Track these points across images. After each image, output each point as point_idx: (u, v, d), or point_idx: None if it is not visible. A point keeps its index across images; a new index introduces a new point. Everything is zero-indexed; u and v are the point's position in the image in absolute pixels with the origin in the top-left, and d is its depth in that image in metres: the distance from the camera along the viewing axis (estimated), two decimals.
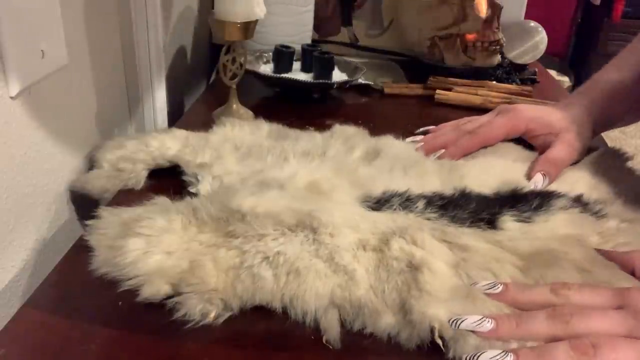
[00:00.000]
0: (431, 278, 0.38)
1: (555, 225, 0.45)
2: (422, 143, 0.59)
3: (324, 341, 0.35)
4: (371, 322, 0.36)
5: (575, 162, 0.57)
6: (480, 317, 0.34)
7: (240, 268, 0.38)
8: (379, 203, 0.47)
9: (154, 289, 0.37)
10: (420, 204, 0.46)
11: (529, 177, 0.52)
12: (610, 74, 0.60)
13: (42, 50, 0.46)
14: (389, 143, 0.59)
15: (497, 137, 0.57)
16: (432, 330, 0.35)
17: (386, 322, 0.36)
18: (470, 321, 0.34)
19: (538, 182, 0.51)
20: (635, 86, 0.58)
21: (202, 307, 0.36)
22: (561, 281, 0.38)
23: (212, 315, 0.36)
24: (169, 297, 0.37)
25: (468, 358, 0.32)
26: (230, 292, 0.37)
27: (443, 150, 0.57)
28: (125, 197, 0.50)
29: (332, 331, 0.36)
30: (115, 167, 0.52)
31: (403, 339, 0.35)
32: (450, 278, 0.38)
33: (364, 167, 0.53)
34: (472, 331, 0.34)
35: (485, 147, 0.58)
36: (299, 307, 0.37)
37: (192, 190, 0.50)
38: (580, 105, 0.59)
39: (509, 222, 0.45)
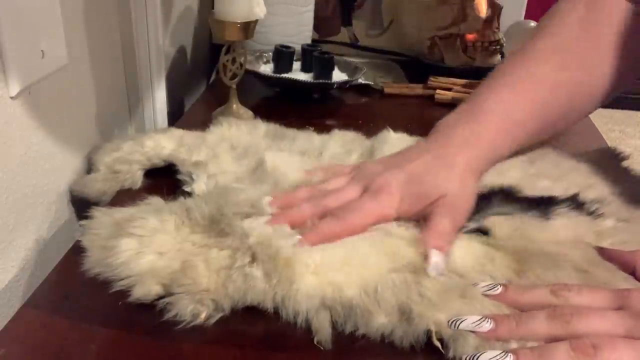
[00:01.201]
0: (429, 281, 0.38)
1: (553, 229, 0.45)
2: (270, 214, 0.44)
3: (315, 342, 0.35)
4: (363, 322, 0.36)
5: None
6: (480, 317, 0.34)
7: (232, 268, 0.38)
8: None
9: (146, 290, 0.37)
10: None
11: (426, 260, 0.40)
12: (504, 102, 0.50)
13: (42, 50, 0.46)
14: (382, 139, 0.59)
15: (363, 228, 0.43)
16: (429, 333, 0.35)
17: (379, 322, 0.36)
18: (469, 321, 0.34)
19: (439, 263, 0.40)
20: (533, 122, 0.50)
21: (193, 308, 0.36)
22: (561, 282, 0.38)
23: (203, 315, 0.36)
24: (161, 297, 0.37)
25: (467, 358, 0.32)
26: (222, 292, 0.37)
27: (295, 239, 0.41)
28: (124, 197, 0.50)
29: (323, 332, 0.36)
30: (112, 169, 0.52)
31: (396, 338, 0.35)
32: (447, 279, 0.38)
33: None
34: (472, 331, 0.34)
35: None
36: (291, 307, 0.37)
37: (187, 189, 0.50)
38: (457, 151, 0.47)
39: (505, 222, 0.45)
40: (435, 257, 0.40)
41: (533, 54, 0.52)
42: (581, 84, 0.52)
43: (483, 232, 0.45)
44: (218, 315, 0.37)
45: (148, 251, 0.39)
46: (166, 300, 0.37)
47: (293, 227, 0.42)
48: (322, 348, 0.35)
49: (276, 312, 0.37)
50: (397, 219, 0.45)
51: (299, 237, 0.40)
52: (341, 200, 0.45)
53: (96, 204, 0.51)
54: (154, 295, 0.37)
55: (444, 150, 0.47)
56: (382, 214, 0.44)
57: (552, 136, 0.57)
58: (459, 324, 0.34)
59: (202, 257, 0.39)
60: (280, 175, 0.50)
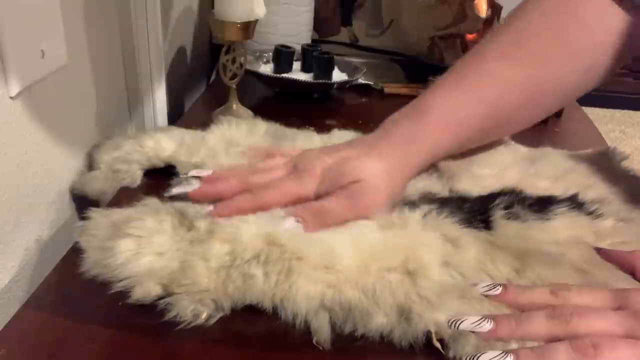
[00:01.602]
0: (427, 282, 0.38)
1: (553, 229, 0.45)
2: (198, 185, 0.47)
3: (314, 342, 0.35)
4: (362, 323, 0.36)
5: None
6: (480, 317, 0.34)
7: (232, 267, 0.38)
8: None
9: (145, 290, 0.37)
10: (414, 199, 0.46)
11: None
12: (449, 99, 0.49)
13: (42, 50, 0.46)
14: None
15: (277, 205, 0.45)
16: (429, 335, 0.35)
17: (378, 322, 0.36)
18: (469, 322, 0.34)
19: (289, 226, 0.42)
20: (481, 120, 0.50)
21: (194, 308, 0.36)
22: (560, 282, 0.38)
23: (204, 315, 0.36)
24: (161, 298, 0.37)
25: (468, 359, 0.32)
26: (222, 292, 0.37)
27: (210, 208, 0.43)
28: (122, 196, 0.50)
29: (322, 332, 0.36)
30: (112, 168, 0.53)
31: (395, 338, 0.35)
32: (446, 280, 0.38)
33: None
34: (472, 332, 0.34)
35: None
36: (289, 308, 0.37)
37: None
38: (392, 147, 0.47)
39: (504, 221, 0.45)
40: (290, 222, 0.42)
41: (487, 52, 0.51)
42: (543, 81, 0.50)
43: (485, 228, 0.45)
44: (218, 315, 0.37)
45: (146, 252, 0.39)
46: (166, 300, 0.37)
47: (214, 198, 0.45)
48: (321, 348, 0.35)
49: (275, 312, 0.37)
50: (317, 198, 0.46)
51: (210, 207, 0.43)
52: (266, 178, 0.47)
53: (97, 202, 0.51)
54: (154, 295, 0.37)
55: (380, 143, 0.48)
56: (299, 193, 0.45)
57: (516, 133, 0.57)
58: (458, 325, 0.34)
59: (200, 256, 0.39)
60: None
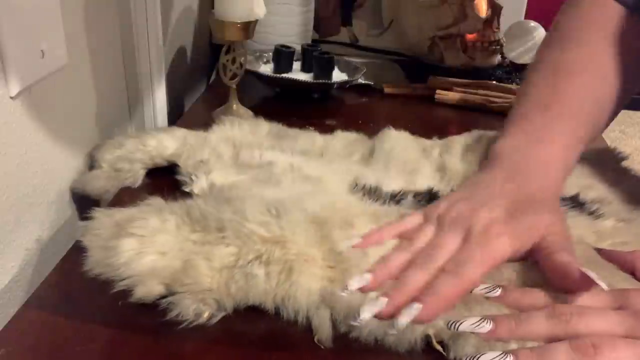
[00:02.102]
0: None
1: None
2: (371, 281, 0.37)
3: (315, 341, 0.35)
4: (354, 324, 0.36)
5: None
6: (479, 318, 0.34)
7: (235, 267, 0.38)
8: (370, 194, 0.47)
9: (147, 289, 0.37)
10: (410, 197, 0.46)
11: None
12: (565, 120, 0.48)
13: (42, 50, 0.46)
14: (382, 138, 0.59)
15: (481, 280, 0.38)
16: (429, 338, 0.35)
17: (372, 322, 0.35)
18: (469, 323, 0.34)
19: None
20: (589, 133, 0.49)
21: (196, 307, 0.36)
22: None
23: (206, 315, 0.36)
24: (163, 297, 0.37)
25: (467, 359, 0.32)
26: (224, 291, 0.37)
27: (417, 309, 0.34)
28: (124, 196, 0.50)
29: (323, 330, 0.35)
30: (114, 167, 0.52)
31: (391, 341, 0.35)
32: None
33: (358, 166, 0.54)
34: (472, 333, 0.34)
35: None
36: (291, 306, 0.37)
37: (187, 189, 0.50)
38: (544, 177, 0.45)
39: None
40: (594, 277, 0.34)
41: (565, 66, 0.51)
42: (620, 91, 0.52)
43: None
44: (220, 315, 0.37)
45: (149, 251, 0.39)
46: (169, 299, 0.37)
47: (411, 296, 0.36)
48: (322, 347, 0.35)
49: (277, 312, 0.37)
50: (511, 260, 0.40)
51: (418, 305, 0.34)
52: (447, 254, 0.39)
53: (98, 201, 0.51)
54: (156, 295, 0.37)
55: (524, 178, 0.44)
56: (496, 258, 0.39)
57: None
58: (458, 326, 0.34)
59: (203, 256, 0.38)
60: (287, 177, 0.50)
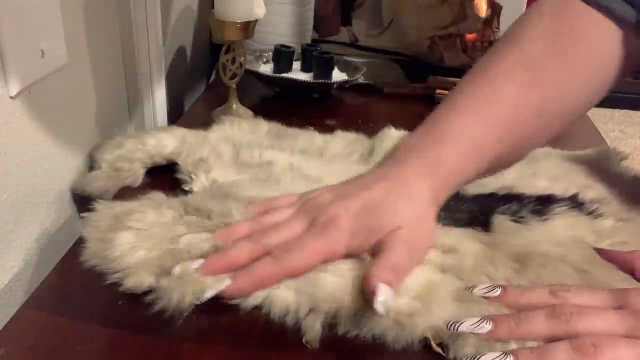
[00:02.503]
0: (418, 283, 0.38)
1: (553, 229, 0.45)
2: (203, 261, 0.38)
3: (304, 341, 0.35)
4: (354, 323, 0.36)
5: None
6: (479, 318, 0.34)
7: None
8: None
9: (138, 280, 0.37)
10: None
11: (370, 293, 0.35)
12: (467, 126, 0.45)
13: (42, 50, 0.46)
14: (383, 137, 0.59)
15: (307, 269, 0.38)
16: (428, 341, 0.35)
17: (369, 322, 0.35)
18: (468, 324, 0.34)
19: (389, 300, 0.34)
20: (499, 145, 0.45)
21: (179, 296, 0.36)
22: (560, 283, 0.38)
23: (187, 300, 0.36)
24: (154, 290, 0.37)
25: None
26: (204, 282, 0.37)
27: (227, 282, 0.37)
28: (125, 195, 0.50)
29: (312, 332, 0.35)
30: (114, 167, 0.53)
31: (389, 340, 0.35)
32: (441, 281, 0.38)
33: (358, 166, 0.54)
34: (472, 333, 0.34)
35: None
36: (278, 307, 0.37)
37: (186, 188, 0.50)
38: (418, 180, 0.42)
39: (503, 222, 0.45)
40: (384, 295, 0.34)
41: (497, 72, 0.47)
42: (551, 101, 0.47)
43: (484, 228, 0.45)
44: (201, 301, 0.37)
45: (145, 245, 0.39)
46: (155, 287, 0.37)
47: (228, 269, 0.38)
48: (309, 347, 0.35)
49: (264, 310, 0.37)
50: (348, 256, 0.40)
51: (226, 281, 0.37)
52: (283, 236, 0.40)
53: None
54: (147, 286, 0.37)
55: (402, 178, 0.43)
56: (329, 252, 0.39)
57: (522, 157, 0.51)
58: (458, 327, 0.34)
59: (192, 246, 0.39)
60: (287, 177, 0.50)
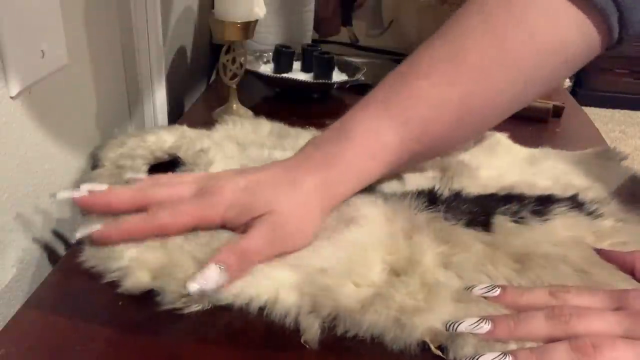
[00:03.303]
0: (418, 283, 0.38)
1: (553, 229, 0.45)
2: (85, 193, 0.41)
3: (302, 341, 0.35)
4: (352, 322, 0.36)
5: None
6: (477, 318, 0.34)
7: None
8: (370, 191, 0.47)
9: (135, 280, 0.37)
10: (410, 197, 0.46)
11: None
12: (374, 123, 0.44)
13: (42, 50, 0.46)
14: None
15: (177, 228, 0.40)
16: (425, 344, 0.35)
17: (369, 321, 0.36)
18: (467, 324, 0.34)
19: (210, 278, 0.35)
20: (409, 143, 0.45)
21: (176, 290, 0.36)
22: (559, 284, 0.38)
23: (185, 299, 0.36)
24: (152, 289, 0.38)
25: None
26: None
27: (96, 227, 0.39)
28: None
29: (310, 332, 0.35)
30: (116, 164, 0.53)
31: (388, 340, 0.35)
32: (440, 281, 0.38)
33: None
34: (470, 333, 0.34)
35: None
36: (276, 308, 0.37)
37: None
38: (310, 172, 0.43)
39: (503, 222, 0.45)
40: (210, 272, 0.35)
41: (416, 68, 0.46)
42: (478, 98, 0.45)
43: (484, 228, 0.45)
44: (202, 303, 0.37)
45: (142, 243, 0.39)
46: (152, 286, 0.37)
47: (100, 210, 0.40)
48: (307, 346, 0.35)
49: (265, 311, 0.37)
50: (224, 226, 0.41)
51: (96, 226, 0.39)
52: (166, 193, 0.41)
53: None
54: (144, 286, 0.37)
55: (297, 168, 0.43)
56: (201, 216, 0.40)
57: (447, 154, 0.51)
58: (456, 327, 0.34)
59: (189, 245, 0.39)
60: None
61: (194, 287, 0.35)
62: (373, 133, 0.44)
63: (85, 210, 0.41)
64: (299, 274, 0.38)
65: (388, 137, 0.44)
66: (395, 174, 0.49)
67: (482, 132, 0.49)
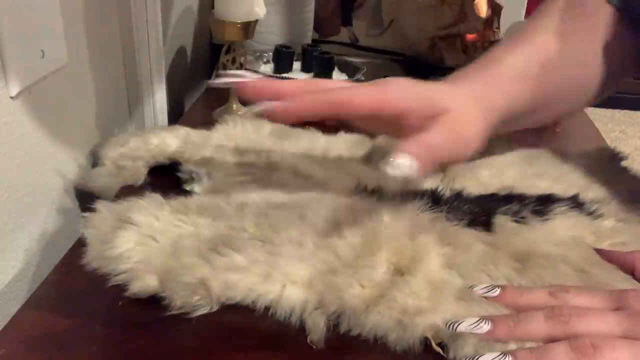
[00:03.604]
0: (424, 284, 0.38)
1: (553, 228, 0.45)
2: (239, 81, 0.40)
3: (308, 341, 0.35)
4: (355, 321, 0.36)
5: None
6: (477, 318, 0.34)
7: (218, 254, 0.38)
8: (373, 193, 0.47)
9: (143, 284, 0.37)
10: (411, 198, 0.46)
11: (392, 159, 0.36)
12: (515, 55, 0.49)
13: (42, 50, 0.46)
14: (385, 137, 0.59)
15: (356, 108, 0.39)
16: (428, 341, 0.35)
17: (372, 321, 0.36)
18: (467, 324, 0.34)
19: (402, 166, 0.36)
20: (539, 82, 0.49)
21: (185, 294, 0.36)
22: (559, 284, 0.38)
23: (195, 299, 0.36)
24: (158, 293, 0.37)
25: None
26: (215, 283, 0.37)
27: (271, 104, 0.37)
28: (126, 193, 0.50)
29: (316, 331, 0.35)
30: (117, 164, 0.53)
31: (391, 340, 0.35)
32: (442, 281, 0.38)
33: (360, 167, 0.54)
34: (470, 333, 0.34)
35: (339, 119, 0.44)
36: (281, 307, 0.37)
37: (187, 188, 0.50)
38: (470, 84, 0.46)
39: (504, 222, 0.45)
40: (402, 159, 0.36)
41: (534, 28, 0.51)
42: (583, 67, 0.51)
43: (485, 228, 0.45)
44: (210, 306, 0.37)
45: (145, 242, 0.39)
46: (160, 290, 0.37)
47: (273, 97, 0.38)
48: (314, 347, 0.35)
49: (271, 310, 0.37)
50: (397, 113, 0.41)
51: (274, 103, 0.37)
52: (337, 84, 0.42)
53: (100, 199, 0.51)
54: (151, 290, 0.37)
55: (458, 83, 0.46)
56: (383, 99, 0.41)
57: (542, 125, 0.56)
58: (456, 327, 0.34)
59: (196, 246, 0.39)
60: (290, 177, 0.50)
61: (387, 170, 0.35)
62: (517, 64, 0.48)
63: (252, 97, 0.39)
64: (308, 270, 0.38)
65: (531, 69, 0.49)
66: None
67: (575, 111, 0.58)
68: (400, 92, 0.42)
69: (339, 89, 0.40)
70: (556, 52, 0.49)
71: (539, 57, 0.49)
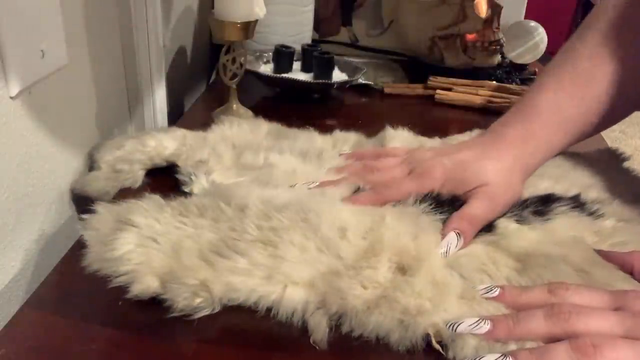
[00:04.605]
0: (423, 282, 0.38)
1: (554, 228, 0.45)
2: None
3: (311, 341, 0.35)
4: (357, 322, 0.36)
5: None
6: (477, 319, 0.34)
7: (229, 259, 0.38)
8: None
9: (144, 286, 0.37)
10: (411, 198, 0.47)
11: (442, 236, 0.43)
12: (555, 99, 0.50)
13: (42, 50, 0.46)
14: (382, 137, 0.59)
15: (402, 198, 0.47)
16: (428, 337, 0.35)
17: (374, 322, 0.36)
18: (467, 324, 0.34)
19: (452, 243, 0.42)
20: (584, 117, 0.51)
21: (188, 296, 0.36)
22: (559, 282, 0.38)
23: (197, 301, 0.36)
24: (160, 294, 0.37)
25: None
26: (217, 285, 0.37)
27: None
28: (125, 196, 0.50)
29: (319, 332, 0.35)
30: (113, 168, 0.52)
31: (393, 340, 0.35)
32: (444, 280, 0.38)
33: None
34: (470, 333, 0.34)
35: None
36: (283, 306, 0.37)
37: (186, 189, 0.50)
38: (508, 147, 0.49)
39: (505, 222, 0.45)
40: (451, 238, 0.42)
41: (582, 51, 0.52)
42: (626, 85, 0.51)
43: (486, 229, 0.45)
44: (211, 307, 0.37)
45: (145, 243, 0.39)
46: (162, 290, 0.37)
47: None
48: (317, 347, 0.35)
49: (273, 311, 0.37)
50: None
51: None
52: (385, 176, 0.49)
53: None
54: (152, 292, 0.37)
55: (495, 146, 0.49)
56: (422, 192, 0.46)
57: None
58: (456, 327, 0.34)
59: (197, 247, 0.39)
60: (286, 177, 0.50)
61: (441, 251, 0.41)
62: (557, 109, 0.50)
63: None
64: (310, 271, 0.38)
65: (568, 112, 0.50)
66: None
67: (618, 120, 0.55)
68: (436, 182, 0.47)
69: (384, 190, 0.47)
70: (602, 83, 0.50)
71: (583, 94, 0.50)
